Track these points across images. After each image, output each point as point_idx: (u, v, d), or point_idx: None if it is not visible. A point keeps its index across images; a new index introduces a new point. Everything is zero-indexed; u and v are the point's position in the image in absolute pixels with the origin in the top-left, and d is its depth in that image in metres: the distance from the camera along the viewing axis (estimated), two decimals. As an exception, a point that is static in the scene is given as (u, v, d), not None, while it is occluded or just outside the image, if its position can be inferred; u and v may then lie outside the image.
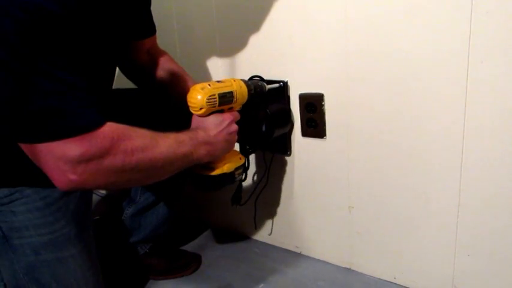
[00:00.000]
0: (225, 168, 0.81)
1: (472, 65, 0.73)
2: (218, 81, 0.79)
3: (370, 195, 0.94)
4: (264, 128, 0.96)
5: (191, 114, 0.79)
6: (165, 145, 0.67)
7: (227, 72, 1.08)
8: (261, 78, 0.98)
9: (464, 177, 0.80)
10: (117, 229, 1.08)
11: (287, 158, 1.04)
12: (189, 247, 1.19)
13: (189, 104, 0.76)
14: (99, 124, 0.59)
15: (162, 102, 0.96)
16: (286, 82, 0.98)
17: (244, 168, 0.91)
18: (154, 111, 0.95)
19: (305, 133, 0.99)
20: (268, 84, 0.98)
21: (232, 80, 0.81)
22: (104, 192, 1.59)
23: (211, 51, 1.10)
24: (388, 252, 0.95)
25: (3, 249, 0.72)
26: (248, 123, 0.98)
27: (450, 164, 0.80)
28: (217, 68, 1.11)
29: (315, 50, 0.91)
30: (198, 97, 0.74)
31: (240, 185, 0.99)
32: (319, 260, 1.08)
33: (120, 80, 1.01)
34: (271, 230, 1.16)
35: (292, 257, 1.11)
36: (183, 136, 0.71)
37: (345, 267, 1.03)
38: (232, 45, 1.06)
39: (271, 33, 0.97)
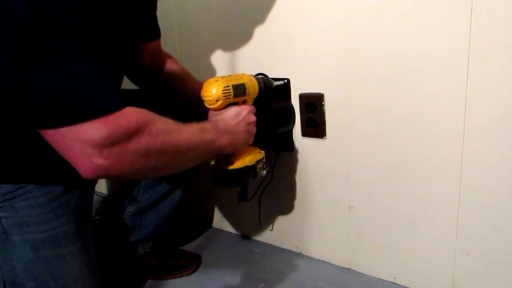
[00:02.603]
0: (246, 160, 0.80)
1: (472, 65, 0.73)
2: (228, 76, 0.80)
3: (370, 195, 0.94)
4: (268, 125, 0.96)
5: (197, 115, 0.78)
6: (187, 131, 0.67)
7: (227, 72, 1.09)
8: (265, 76, 0.99)
9: (464, 177, 0.80)
10: (117, 228, 1.08)
11: (287, 158, 1.04)
12: (189, 247, 1.19)
13: (204, 98, 0.77)
14: (122, 106, 0.58)
15: (166, 104, 0.96)
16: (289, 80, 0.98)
17: (265, 162, 0.89)
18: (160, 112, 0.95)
19: (305, 133, 0.99)
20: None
21: (242, 74, 0.82)
22: (104, 192, 1.59)
23: (212, 52, 1.11)
24: (388, 252, 0.95)
25: (3, 245, 0.72)
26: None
27: (450, 164, 0.80)
28: (218, 68, 1.11)
29: (315, 50, 0.91)
30: (212, 90, 0.75)
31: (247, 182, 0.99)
32: (319, 260, 1.08)
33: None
34: (272, 230, 1.16)
35: (292, 257, 1.11)
36: (205, 124, 0.72)
37: (345, 267, 1.03)
38: (233, 46, 1.06)
39: (272, 33, 0.97)
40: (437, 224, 0.86)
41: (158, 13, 0.91)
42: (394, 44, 0.81)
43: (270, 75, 0.99)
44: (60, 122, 0.56)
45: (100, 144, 0.56)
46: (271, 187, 1.08)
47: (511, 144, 0.73)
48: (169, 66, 0.96)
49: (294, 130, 1.01)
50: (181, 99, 0.95)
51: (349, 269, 1.03)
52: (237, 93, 0.78)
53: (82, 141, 0.56)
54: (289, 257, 1.11)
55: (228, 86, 0.76)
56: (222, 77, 0.77)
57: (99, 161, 0.56)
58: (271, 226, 1.16)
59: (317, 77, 0.93)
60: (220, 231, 1.27)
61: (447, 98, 0.77)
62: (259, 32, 0.99)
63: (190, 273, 1.07)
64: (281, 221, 1.13)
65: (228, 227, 1.26)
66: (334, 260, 1.05)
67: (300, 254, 1.11)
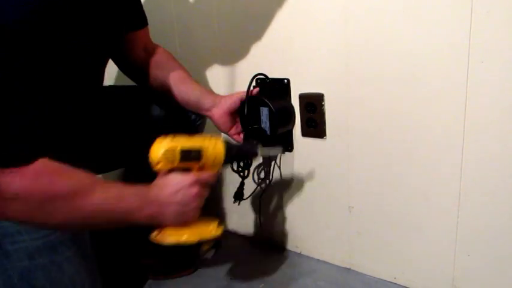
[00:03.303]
0: (183, 237, 0.70)
1: (472, 65, 0.73)
2: (188, 137, 0.72)
3: (370, 195, 0.94)
4: (268, 126, 0.96)
5: (184, 116, 0.74)
6: (100, 197, 0.63)
7: (228, 72, 1.09)
8: (266, 77, 0.99)
9: (464, 177, 0.80)
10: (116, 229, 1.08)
11: (287, 158, 1.04)
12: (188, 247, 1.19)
13: (149, 158, 0.69)
14: (24, 162, 0.57)
15: (159, 101, 0.95)
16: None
17: (216, 243, 0.79)
18: (149, 109, 0.94)
19: (305, 133, 0.99)
20: (272, 81, 0.98)
21: (208, 138, 0.74)
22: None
23: (212, 52, 1.11)
24: (388, 252, 0.95)
25: None
26: (252, 121, 0.99)
27: (450, 164, 0.80)
28: (218, 68, 1.11)
29: (315, 50, 0.91)
30: (155, 151, 0.68)
31: (242, 182, 0.99)
32: (319, 260, 1.08)
33: (124, 78, 1.02)
34: (271, 230, 1.16)
35: (292, 257, 1.11)
36: (129, 190, 0.67)
37: (345, 267, 1.03)
38: (233, 46, 1.06)
39: (272, 33, 0.97)
40: (437, 224, 0.86)
41: (158, 16, 0.91)
42: (394, 44, 0.81)
43: (270, 75, 0.99)
44: None
45: None
46: (271, 187, 1.08)
47: (511, 144, 0.73)
48: (165, 65, 0.93)
49: (294, 130, 1.01)
50: (176, 103, 0.93)
51: (349, 269, 1.03)
52: (187, 158, 0.69)
53: None
54: (289, 257, 1.11)
55: (172, 150, 0.68)
56: (174, 138, 0.70)
57: None
58: (271, 226, 1.16)
59: (317, 77, 0.93)
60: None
61: (447, 97, 0.77)
62: (260, 32, 0.99)
63: (190, 274, 1.07)
64: (281, 221, 1.13)
65: (228, 227, 1.26)
66: (334, 260, 1.05)
67: (300, 254, 1.11)
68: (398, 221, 0.91)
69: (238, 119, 0.97)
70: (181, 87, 0.92)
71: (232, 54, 1.06)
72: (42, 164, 0.58)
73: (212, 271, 1.07)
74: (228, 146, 0.75)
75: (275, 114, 0.95)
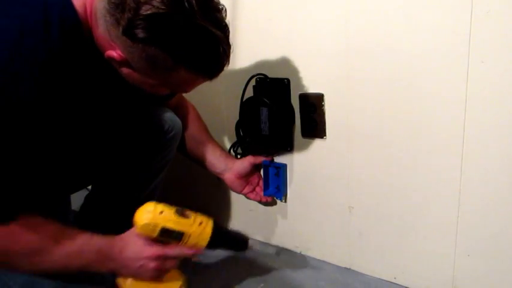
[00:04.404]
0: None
1: (472, 65, 0.73)
2: (185, 213, 0.74)
3: (370, 195, 0.94)
4: (267, 126, 0.96)
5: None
6: (59, 254, 0.67)
7: (228, 72, 1.08)
8: (266, 77, 0.99)
9: (464, 178, 0.80)
10: (101, 220, 1.07)
11: (287, 158, 1.04)
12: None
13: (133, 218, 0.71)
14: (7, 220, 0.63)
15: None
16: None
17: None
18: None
19: (305, 133, 0.99)
20: (272, 81, 0.98)
21: (199, 221, 0.75)
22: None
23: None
24: (388, 252, 0.95)
25: None
26: (251, 121, 0.99)
27: (450, 164, 0.80)
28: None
29: (315, 50, 0.91)
30: (138, 217, 0.70)
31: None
32: (319, 260, 1.08)
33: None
34: (272, 230, 1.16)
35: (292, 257, 1.11)
36: (91, 246, 0.70)
37: (345, 267, 1.03)
38: (233, 46, 1.05)
39: (272, 33, 0.97)
40: (437, 224, 0.86)
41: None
42: (394, 44, 0.80)
43: (270, 75, 0.99)
44: None
45: None
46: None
47: (511, 144, 0.73)
48: (190, 124, 1.01)
49: (294, 130, 1.01)
50: (193, 160, 1.02)
51: (349, 269, 1.03)
52: (166, 236, 0.71)
53: None
54: (289, 257, 1.11)
55: (155, 225, 0.70)
56: (162, 212, 0.71)
57: None
58: (271, 226, 1.16)
59: (317, 77, 0.93)
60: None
61: (447, 97, 0.77)
62: (260, 32, 0.99)
63: None
64: (281, 221, 1.13)
65: (228, 227, 1.26)
66: (334, 260, 1.05)
67: (300, 254, 1.11)
68: (398, 221, 0.91)
69: (250, 179, 1.05)
70: (200, 148, 1.02)
71: (232, 54, 1.06)
72: (15, 222, 0.64)
73: (212, 271, 1.07)
74: (215, 234, 0.75)
75: (274, 115, 0.95)
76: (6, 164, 0.61)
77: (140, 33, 0.58)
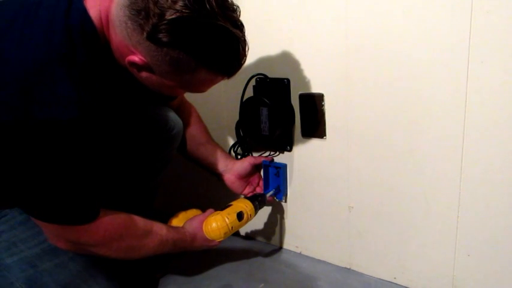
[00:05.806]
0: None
1: (472, 65, 0.73)
2: (229, 205, 0.96)
3: (370, 195, 0.94)
4: (267, 126, 0.96)
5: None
6: (150, 246, 0.81)
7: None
8: (266, 77, 0.99)
9: (464, 178, 0.80)
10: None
11: (287, 158, 1.04)
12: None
13: (208, 235, 0.91)
14: (94, 218, 0.71)
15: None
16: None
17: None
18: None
19: (305, 133, 0.99)
20: (272, 81, 0.98)
21: (249, 212, 0.95)
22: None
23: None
24: (388, 252, 0.95)
25: None
26: (251, 122, 0.99)
27: (450, 164, 0.80)
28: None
29: (315, 50, 0.91)
30: (214, 232, 0.91)
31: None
32: (319, 260, 1.08)
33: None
34: (272, 230, 1.16)
35: (292, 257, 1.11)
36: (170, 237, 0.85)
37: (344, 267, 1.03)
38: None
39: (272, 33, 0.97)
40: (437, 224, 0.86)
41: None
42: (393, 44, 0.81)
43: (270, 75, 0.99)
44: (45, 220, 0.70)
45: (68, 240, 0.73)
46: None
47: (511, 144, 0.73)
48: (192, 125, 1.03)
49: (293, 130, 1.01)
50: (193, 161, 1.05)
51: (349, 269, 1.03)
52: (235, 225, 0.93)
53: (56, 234, 0.73)
54: (289, 257, 1.11)
55: (229, 228, 0.92)
56: (224, 215, 0.92)
57: (63, 245, 0.75)
58: (271, 226, 1.16)
59: (317, 77, 0.93)
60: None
61: (447, 98, 0.77)
62: (260, 32, 0.99)
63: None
64: (281, 221, 1.13)
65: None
66: (334, 260, 1.05)
67: (300, 254, 1.11)
68: (398, 221, 0.91)
69: (250, 180, 1.07)
70: (201, 149, 1.03)
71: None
72: (106, 222, 0.74)
73: (212, 271, 1.07)
74: (256, 208, 0.98)
75: (274, 115, 0.95)
76: (81, 170, 0.67)
77: (164, 38, 0.59)
